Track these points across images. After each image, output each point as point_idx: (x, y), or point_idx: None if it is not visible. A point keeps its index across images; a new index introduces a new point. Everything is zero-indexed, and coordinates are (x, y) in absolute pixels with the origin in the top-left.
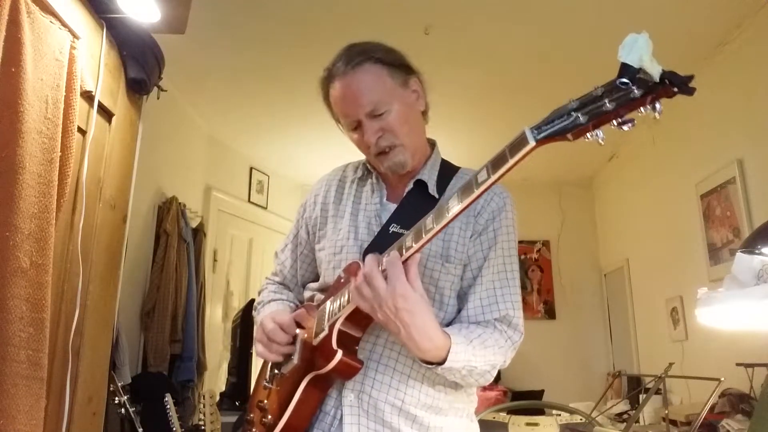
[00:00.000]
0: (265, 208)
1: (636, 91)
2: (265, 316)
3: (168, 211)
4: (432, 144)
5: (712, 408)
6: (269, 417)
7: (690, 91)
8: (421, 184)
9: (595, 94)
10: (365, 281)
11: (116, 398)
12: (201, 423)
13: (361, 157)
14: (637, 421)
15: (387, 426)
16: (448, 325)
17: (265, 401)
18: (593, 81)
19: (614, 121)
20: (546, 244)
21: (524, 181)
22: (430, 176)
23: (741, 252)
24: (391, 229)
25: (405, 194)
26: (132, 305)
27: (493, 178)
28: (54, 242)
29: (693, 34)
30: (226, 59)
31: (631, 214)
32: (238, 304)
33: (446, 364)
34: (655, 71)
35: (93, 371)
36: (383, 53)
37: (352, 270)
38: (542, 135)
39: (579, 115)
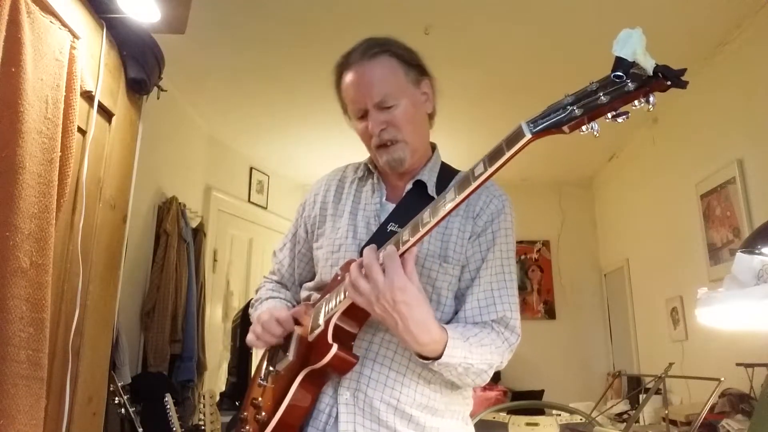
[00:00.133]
0: (265, 208)
1: (630, 84)
2: (263, 311)
3: (168, 211)
4: (433, 147)
5: (712, 408)
6: (263, 414)
7: (683, 84)
8: (420, 185)
9: (590, 88)
10: (363, 273)
11: (116, 398)
12: (201, 423)
13: (362, 154)
14: (637, 421)
15: (383, 425)
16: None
17: (260, 398)
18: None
19: (609, 114)
20: (546, 244)
21: (524, 181)
22: (429, 177)
23: (741, 252)
24: (389, 228)
25: (404, 194)
26: (132, 305)
27: (490, 171)
28: (54, 242)
29: (693, 34)
30: (226, 59)
31: (631, 214)
32: (238, 304)
33: (443, 359)
34: (648, 65)
35: (93, 371)
36: (401, 49)
37: (349, 268)
38: (538, 128)
39: (574, 108)
